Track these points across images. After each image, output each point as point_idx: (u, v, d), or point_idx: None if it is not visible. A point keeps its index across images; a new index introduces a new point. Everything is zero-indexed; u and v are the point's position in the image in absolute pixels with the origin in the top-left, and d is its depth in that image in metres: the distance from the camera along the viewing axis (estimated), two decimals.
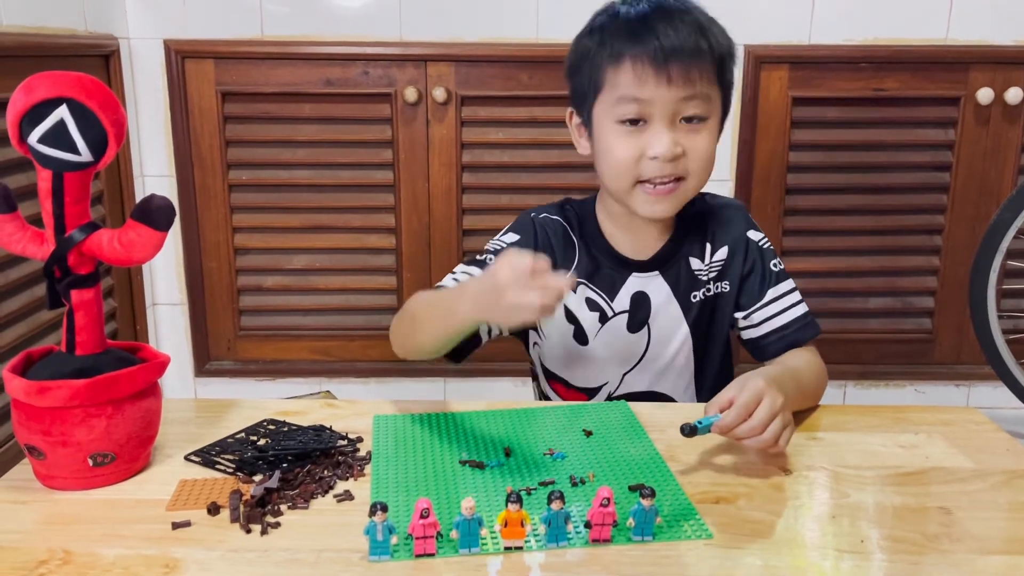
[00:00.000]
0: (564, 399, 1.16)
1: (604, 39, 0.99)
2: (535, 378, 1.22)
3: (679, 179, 1.00)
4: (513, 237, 1.11)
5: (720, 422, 0.85)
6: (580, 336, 1.12)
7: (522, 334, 1.18)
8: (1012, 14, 1.88)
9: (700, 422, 0.85)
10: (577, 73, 1.04)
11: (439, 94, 1.89)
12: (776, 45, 1.88)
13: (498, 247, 1.11)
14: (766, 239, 1.13)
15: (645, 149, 0.98)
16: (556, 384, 1.16)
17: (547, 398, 1.19)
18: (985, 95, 1.89)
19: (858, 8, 1.88)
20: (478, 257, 1.10)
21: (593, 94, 1.02)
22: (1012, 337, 1.81)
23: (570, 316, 1.12)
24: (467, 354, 1.08)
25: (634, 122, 0.98)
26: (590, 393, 1.15)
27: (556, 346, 1.14)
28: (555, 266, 1.09)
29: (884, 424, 0.99)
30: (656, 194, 1.00)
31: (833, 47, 1.90)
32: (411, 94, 1.89)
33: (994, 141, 1.95)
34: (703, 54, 0.96)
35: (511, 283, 0.77)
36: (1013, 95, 1.89)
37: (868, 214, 2.01)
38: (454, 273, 1.09)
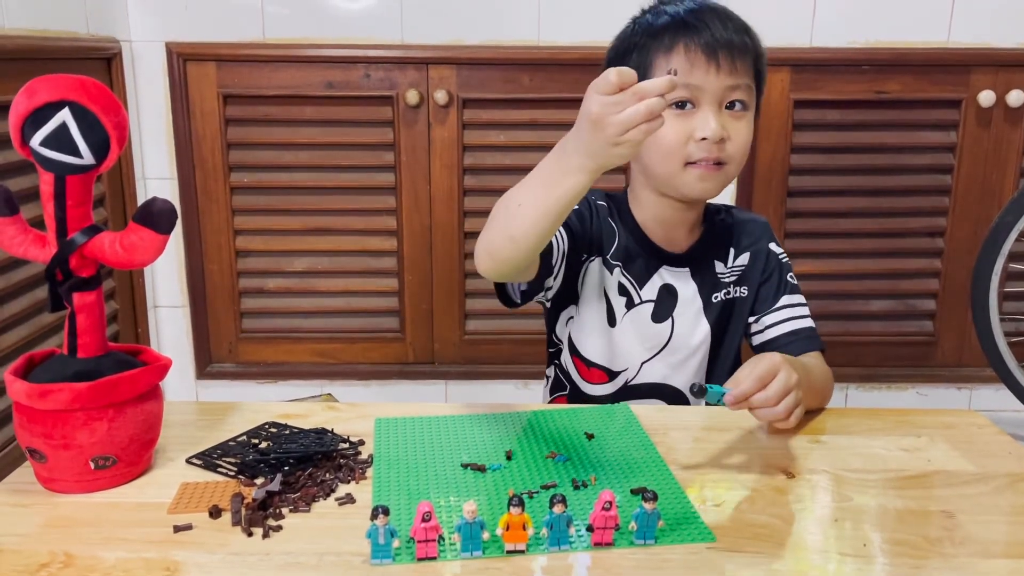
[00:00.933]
0: (585, 378, 1.17)
1: (655, 32, 1.05)
2: (552, 361, 1.23)
3: (721, 163, 1.05)
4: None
5: (735, 391, 0.88)
6: (610, 317, 1.15)
7: (556, 309, 1.19)
8: (1013, 17, 1.88)
9: (711, 387, 0.88)
10: (624, 63, 1.06)
11: (440, 96, 1.89)
12: (778, 47, 1.88)
13: None
14: (785, 254, 1.19)
15: (693, 132, 1.03)
16: (578, 361, 1.18)
17: (566, 378, 1.19)
18: (986, 97, 1.90)
19: (859, 11, 1.88)
20: None
21: (648, 66, 1.07)
22: (1014, 340, 1.81)
23: (604, 295, 1.15)
24: (530, 296, 1.09)
25: (681, 105, 1.04)
26: (610, 375, 1.16)
27: (588, 321, 1.16)
28: (600, 240, 1.13)
29: (886, 427, 0.99)
30: (705, 169, 1.05)
31: (835, 50, 1.90)
32: (412, 96, 1.89)
33: (995, 143, 1.95)
34: (747, 49, 1.04)
35: (606, 111, 0.76)
36: (1014, 97, 1.89)
37: (870, 216, 2.01)
38: None
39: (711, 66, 1.01)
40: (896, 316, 2.07)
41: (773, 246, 1.18)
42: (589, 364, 1.17)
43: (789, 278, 1.17)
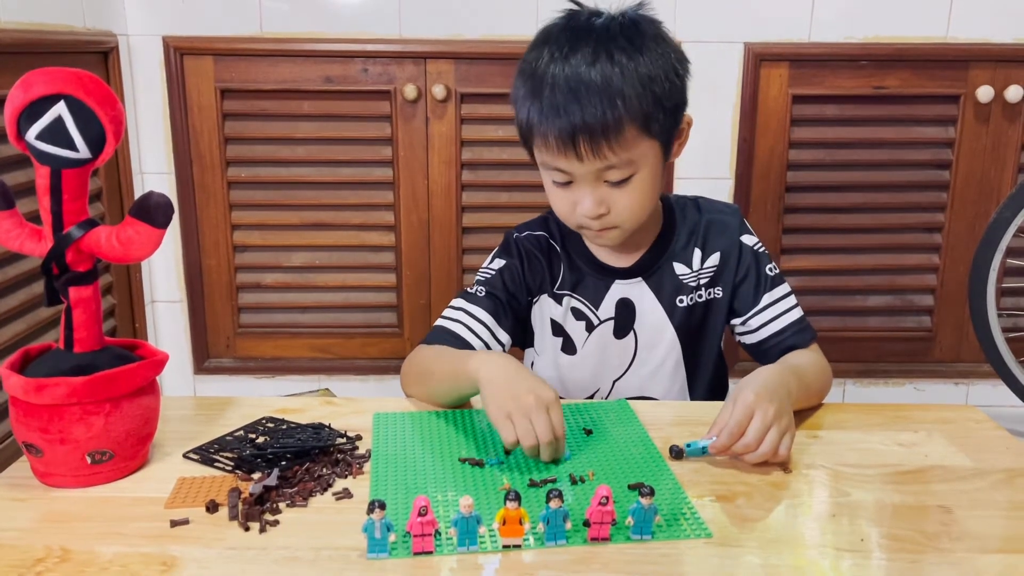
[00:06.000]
0: None
1: (527, 95, 0.99)
2: None
3: (611, 227, 1.03)
4: (500, 263, 1.14)
5: (715, 444, 0.86)
6: (568, 347, 1.13)
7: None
8: (1012, 12, 1.87)
9: (689, 445, 0.88)
10: (514, 111, 1.05)
11: (439, 91, 1.89)
12: (776, 43, 1.88)
13: (488, 275, 1.13)
14: (760, 244, 1.13)
15: (576, 203, 1.02)
16: None
17: None
18: (985, 93, 1.89)
19: (858, 6, 1.88)
20: (470, 290, 1.12)
21: (527, 139, 1.03)
22: (1012, 335, 1.81)
23: (557, 328, 1.13)
24: None
25: (562, 182, 1.02)
26: None
27: (548, 361, 1.15)
28: (540, 280, 1.12)
29: (884, 422, 0.99)
30: (596, 232, 1.04)
31: (833, 45, 1.89)
32: (411, 91, 1.89)
33: (994, 139, 1.95)
34: (611, 128, 0.95)
35: (529, 408, 0.85)
36: (1013, 93, 1.89)
37: (868, 212, 2.00)
38: (453, 310, 1.11)
39: (571, 155, 0.96)
40: (894, 312, 2.07)
41: (746, 239, 1.12)
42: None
43: (768, 271, 1.11)
